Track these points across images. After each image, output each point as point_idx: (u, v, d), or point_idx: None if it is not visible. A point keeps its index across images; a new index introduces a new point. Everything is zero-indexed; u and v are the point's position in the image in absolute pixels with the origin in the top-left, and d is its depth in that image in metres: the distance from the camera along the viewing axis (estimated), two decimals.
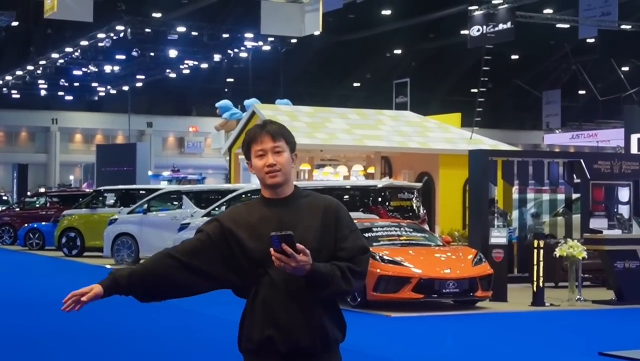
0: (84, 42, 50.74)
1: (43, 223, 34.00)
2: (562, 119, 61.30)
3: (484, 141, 29.24)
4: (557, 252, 17.21)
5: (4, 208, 41.52)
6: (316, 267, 4.02)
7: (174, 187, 36.37)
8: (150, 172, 55.30)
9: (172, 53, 55.84)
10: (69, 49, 52.86)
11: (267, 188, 4.27)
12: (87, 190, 41.68)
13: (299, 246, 3.95)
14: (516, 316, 15.98)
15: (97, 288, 4.16)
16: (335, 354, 4.27)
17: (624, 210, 21.58)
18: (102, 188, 33.43)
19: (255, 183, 25.49)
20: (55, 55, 54.70)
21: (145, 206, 26.70)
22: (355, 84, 76.20)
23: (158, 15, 51.51)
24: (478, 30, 32.15)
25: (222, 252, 4.21)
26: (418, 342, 12.98)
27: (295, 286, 4.10)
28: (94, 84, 67.13)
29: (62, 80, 64.47)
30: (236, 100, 38.40)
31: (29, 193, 49.67)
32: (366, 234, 17.06)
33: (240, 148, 30.28)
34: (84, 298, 4.13)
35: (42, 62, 56.63)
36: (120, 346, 12.39)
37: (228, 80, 69.87)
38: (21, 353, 11.67)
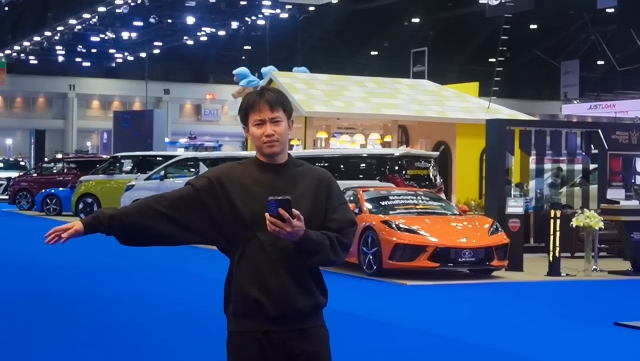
0: (101, 9, 50.75)
1: (60, 189, 34.12)
2: (580, 89, 61.04)
3: (502, 111, 29.14)
4: (574, 222, 17.18)
5: (21, 174, 41.65)
6: (308, 234, 4.07)
7: (191, 154, 36.41)
8: (167, 139, 55.37)
9: (190, 20, 55.82)
10: (86, 15, 52.88)
11: (264, 155, 4.29)
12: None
13: (295, 211, 3.99)
14: (532, 286, 15.98)
15: (78, 225, 4.27)
16: (320, 318, 4.30)
17: None
18: (119, 154, 33.49)
19: None
20: (72, 22, 54.73)
21: (162, 172, 26.74)
22: (372, 53, 75.97)
23: None
24: None
25: (209, 209, 4.21)
26: (433, 310, 13.00)
27: (284, 251, 4.13)
28: (112, 51, 67.18)
29: (80, 46, 64.54)
30: (253, 67, 38.33)
31: (46, 159, 49.79)
32: (382, 203, 17.09)
33: None
34: (64, 235, 4.29)
35: (60, 28, 56.67)
36: (134, 311, 12.45)
37: (245, 47, 69.76)
38: (38, 316, 11.74)
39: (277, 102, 4.27)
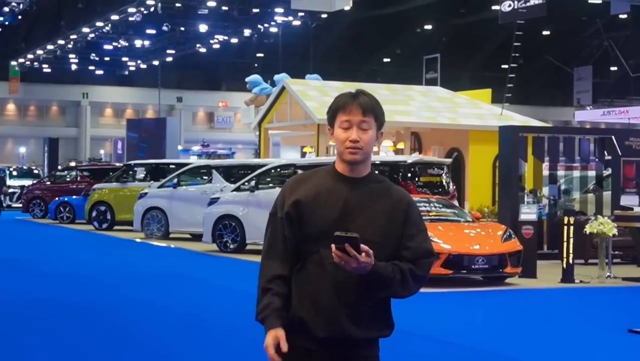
0: (114, 17, 50.87)
1: (74, 197, 34.23)
2: (593, 95, 60.92)
3: (515, 117, 29.09)
4: (588, 229, 17.15)
5: (35, 182, 41.77)
6: (377, 268, 3.83)
7: (204, 161, 36.45)
8: (180, 147, 55.44)
9: (202, 28, 55.88)
10: (99, 24, 53.02)
11: (343, 163, 4.03)
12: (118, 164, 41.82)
13: (363, 247, 3.76)
14: (545, 293, 15.94)
15: (280, 335, 3.92)
16: (372, 349, 4.10)
17: None
18: (132, 162, 33.55)
19: (285, 158, 25.52)
20: (86, 30, 54.86)
21: (175, 180, 26.79)
22: (385, 60, 75.97)
23: None
24: (509, 5, 31.92)
25: (293, 229, 4.00)
26: (446, 318, 12.97)
27: (344, 273, 3.86)
28: (125, 59, 67.29)
29: (93, 54, 64.67)
30: (266, 75, 38.38)
31: (59, 167, 49.92)
32: None
33: (269, 123, 30.36)
34: (284, 347, 3.91)
35: (73, 37, 56.83)
36: (146, 319, 12.45)
37: (258, 55, 69.87)
38: (52, 324, 11.75)
39: (370, 108, 4.06)
